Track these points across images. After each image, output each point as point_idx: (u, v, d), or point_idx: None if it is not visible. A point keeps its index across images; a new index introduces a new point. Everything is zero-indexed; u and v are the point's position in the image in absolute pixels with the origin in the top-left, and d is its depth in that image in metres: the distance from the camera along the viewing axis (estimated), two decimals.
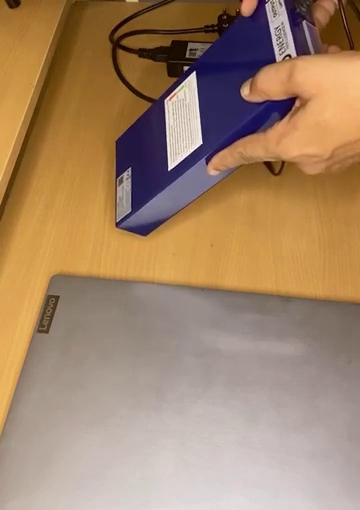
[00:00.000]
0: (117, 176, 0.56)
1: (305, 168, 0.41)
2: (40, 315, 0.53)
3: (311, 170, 0.41)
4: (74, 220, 0.61)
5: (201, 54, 0.58)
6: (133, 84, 0.71)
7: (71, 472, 0.45)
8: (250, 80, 0.40)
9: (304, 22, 0.42)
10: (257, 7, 0.45)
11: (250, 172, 0.61)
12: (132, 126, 0.58)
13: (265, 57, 0.41)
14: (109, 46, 0.75)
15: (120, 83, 0.72)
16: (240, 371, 0.48)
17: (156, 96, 0.69)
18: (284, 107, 0.40)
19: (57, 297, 0.54)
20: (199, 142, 0.46)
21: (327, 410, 0.46)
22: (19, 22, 0.71)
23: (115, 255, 0.58)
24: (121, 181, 0.54)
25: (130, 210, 0.52)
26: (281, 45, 0.40)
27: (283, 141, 0.38)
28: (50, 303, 0.53)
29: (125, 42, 0.76)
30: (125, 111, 0.69)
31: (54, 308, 0.53)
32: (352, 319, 0.50)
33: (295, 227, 0.58)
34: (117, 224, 0.54)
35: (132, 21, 0.77)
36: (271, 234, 0.58)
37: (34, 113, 0.66)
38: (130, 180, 0.53)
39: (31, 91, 0.64)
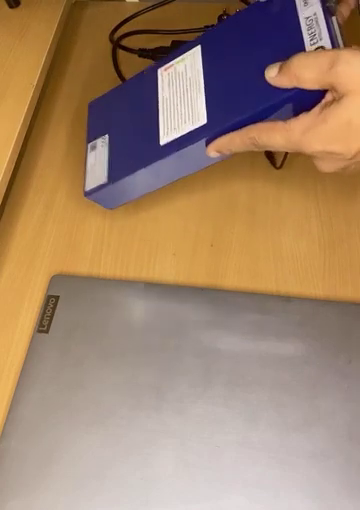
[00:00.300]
0: (89, 140, 0.52)
1: (322, 164, 0.39)
2: (40, 315, 0.53)
3: (328, 167, 0.39)
4: (74, 220, 0.61)
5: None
6: None
7: (71, 472, 0.45)
8: (279, 63, 0.37)
9: (334, 17, 0.41)
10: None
11: (250, 172, 0.61)
12: (111, 91, 0.54)
13: (292, 44, 0.39)
14: (109, 46, 0.75)
15: (120, 83, 0.72)
16: (240, 371, 0.48)
17: None
18: (311, 99, 0.38)
19: (57, 297, 0.54)
20: (203, 120, 0.44)
21: (327, 410, 0.46)
22: (19, 22, 0.71)
23: (115, 255, 0.58)
24: (94, 147, 0.50)
25: (105, 181, 0.49)
26: (313, 36, 0.39)
27: (310, 133, 0.36)
28: (50, 303, 0.53)
29: (125, 42, 0.76)
30: None
31: (54, 308, 0.53)
32: (352, 319, 0.50)
33: (295, 227, 0.58)
34: (86, 193, 0.51)
35: (132, 21, 0.77)
36: (271, 234, 0.58)
37: (34, 113, 0.66)
38: (106, 148, 0.49)
39: (31, 91, 0.64)
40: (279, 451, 0.44)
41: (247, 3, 0.73)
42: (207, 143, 0.44)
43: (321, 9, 0.40)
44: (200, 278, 0.55)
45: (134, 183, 0.49)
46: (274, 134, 0.38)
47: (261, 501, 0.43)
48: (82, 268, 0.57)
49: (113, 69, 0.73)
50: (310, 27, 0.40)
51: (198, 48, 0.47)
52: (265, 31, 0.43)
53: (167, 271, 0.56)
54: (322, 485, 0.43)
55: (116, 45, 0.75)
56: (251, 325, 0.50)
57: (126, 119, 0.50)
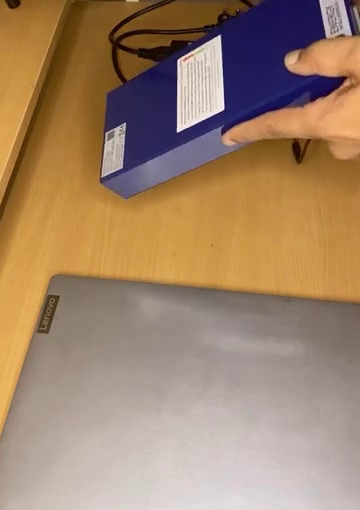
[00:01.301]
0: (106, 130, 0.53)
1: (337, 150, 0.39)
2: (40, 315, 0.53)
3: (343, 154, 0.39)
4: (74, 220, 0.61)
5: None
6: None
7: (71, 472, 0.45)
8: (298, 50, 0.38)
9: (354, 8, 0.41)
10: None
11: (251, 172, 0.61)
12: (129, 82, 0.55)
13: (313, 33, 0.40)
14: (109, 46, 0.75)
15: (120, 83, 0.72)
16: (240, 371, 0.48)
17: None
18: (329, 86, 0.38)
19: (57, 297, 0.54)
20: (221, 108, 0.44)
21: (327, 410, 0.46)
22: (19, 22, 0.71)
23: (115, 255, 0.58)
24: (111, 135, 0.51)
25: (121, 167, 0.49)
26: (334, 24, 0.40)
27: (326, 117, 0.36)
28: (50, 303, 0.53)
29: (125, 42, 0.76)
30: None
31: (54, 308, 0.53)
32: (352, 319, 0.50)
33: (295, 227, 0.58)
34: (102, 180, 0.51)
35: (132, 21, 0.77)
36: (271, 234, 0.58)
37: (34, 113, 0.66)
38: (124, 136, 0.50)
39: (31, 91, 0.64)
40: (279, 451, 0.44)
41: (247, 3, 0.73)
42: (223, 131, 0.44)
43: None
44: (200, 278, 0.55)
45: (149, 171, 0.49)
46: (291, 120, 0.38)
47: (261, 501, 0.43)
48: (82, 268, 0.57)
49: (113, 69, 0.73)
50: (331, 16, 0.40)
51: (218, 38, 0.48)
52: (286, 20, 0.44)
53: (167, 271, 0.56)
54: (322, 485, 0.43)
55: (116, 45, 0.75)
56: (251, 325, 0.50)
57: (144, 108, 0.50)
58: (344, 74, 0.37)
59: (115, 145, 0.50)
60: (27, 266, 0.58)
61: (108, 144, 0.51)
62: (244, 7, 0.73)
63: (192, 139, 0.45)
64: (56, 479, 0.45)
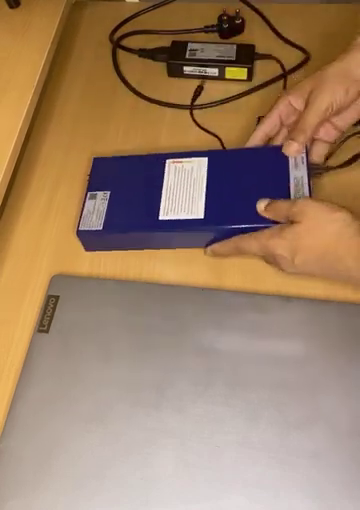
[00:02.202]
0: (89, 190, 0.59)
1: (275, 266, 0.53)
2: (40, 315, 0.53)
3: (279, 267, 0.52)
4: (74, 220, 0.61)
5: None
6: (133, 84, 0.71)
7: (71, 472, 0.45)
8: (268, 201, 0.52)
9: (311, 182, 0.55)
10: (279, 155, 0.56)
11: None
12: (117, 158, 0.62)
13: (280, 191, 0.53)
14: (109, 46, 0.75)
15: (120, 83, 0.72)
16: (240, 371, 0.48)
17: (156, 96, 0.70)
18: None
19: (57, 297, 0.54)
20: (200, 215, 0.54)
21: (327, 409, 0.46)
22: (19, 22, 0.71)
23: (115, 255, 0.58)
24: (94, 197, 0.58)
25: (100, 228, 0.55)
26: (297, 191, 0.53)
27: (272, 239, 0.50)
28: (50, 303, 0.53)
29: (125, 42, 0.76)
30: (125, 111, 0.69)
31: (54, 308, 0.53)
32: (352, 319, 0.50)
33: None
34: (79, 232, 0.56)
35: (132, 21, 0.77)
36: None
37: (34, 113, 0.66)
38: (106, 202, 0.57)
39: (31, 91, 0.64)
40: (279, 451, 0.44)
41: (246, 3, 0.73)
42: (206, 245, 0.56)
43: (306, 174, 0.54)
44: (200, 278, 0.55)
45: (124, 240, 0.57)
46: (250, 241, 0.52)
47: (261, 501, 0.43)
48: (82, 268, 0.57)
49: (113, 69, 0.73)
50: (296, 185, 0.54)
51: (205, 159, 0.58)
52: (261, 171, 0.56)
53: (167, 271, 0.56)
54: (322, 485, 0.43)
55: (116, 45, 0.75)
56: (251, 325, 0.50)
57: (131, 186, 0.58)
58: (289, 219, 0.51)
59: (96, 207, 0.57)
60: (27, 266, 0.58)
61: (89, 203, 0.57)
62: (243, 7, 0.73)
63: (172, 230, 0.54)
64: (56, 479, 0.45)
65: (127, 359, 0.50)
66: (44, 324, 0.52)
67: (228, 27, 0.73)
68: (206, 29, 0.74)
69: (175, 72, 0.71)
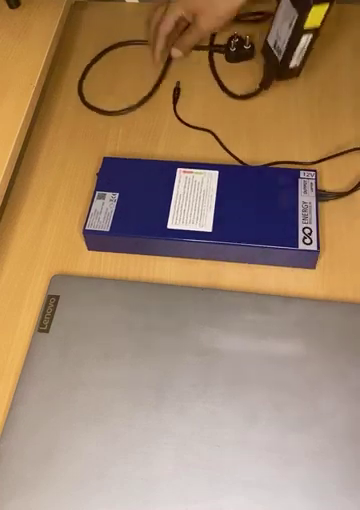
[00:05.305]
0: (98, 189, 0.59)
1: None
2: (40, 315, 0.53)
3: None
4: (74, 220, 0.61)
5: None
6: None
7: (71, 472, 0.45)
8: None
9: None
10: (290, 178, 0.57)
11: None
12: (128, 159, 0.62)
13: (288, 214, 0.55)
14: (109, 46, 0.75)
15: (120, 83, 0.72)
16: (240, 371, 0.48)
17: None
18: None
19: (57, 297, 0.54)
20: (209, 228, 0.55)
21: (327, 410, 0.46)
22: (19, 22, 0.71)
23: (115, 255, 0.58)
24: (102, 197, 0.58)
25: (108, 229, 0.56)
26: (305, 216, 0.54)
27: None
28: (50, 303, 0.53)
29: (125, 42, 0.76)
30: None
31: (54, 308, 0.53)
32: (352, 319, 0.50)
33: None
34: (85, 231, 0.56)
35: (132, 21, 0.77)
36: None
37: (34, 113, 0.66)
38: (115, 204, 0.57)
39: (31, 91, 0.64)
40: (279, 451, 0.44)
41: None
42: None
43: (315, 200, 0.55)
44: (200, 278, 0.55)
45: (130, 243, 0.57)
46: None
47: (261, 501, 0.43)
48: (82, 268, 0.57)
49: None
50: (304, 210, 0.55)
51: (216, 173, 0.58)
52: (270, 191, 0.57)
53: (167, 271, 0.56)
54: (322, 485, 0.43)
55: (116, 45, 0.75)
56: (251, 325, 0.50)
57: (139, 190, 0.58)
58: None
59: (104, 207, 0.57)
60: (27, 266, 0.58)
61: (97, 203, 0.57)
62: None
63: (179, 240, 0.55)
64: (56, 478, 0.45)
65: (127, 359, 0.50)
66: (44, 324, 0.52)
67: (235, 51, 0.70)
68: (212, 47, 0.72)
69: None
